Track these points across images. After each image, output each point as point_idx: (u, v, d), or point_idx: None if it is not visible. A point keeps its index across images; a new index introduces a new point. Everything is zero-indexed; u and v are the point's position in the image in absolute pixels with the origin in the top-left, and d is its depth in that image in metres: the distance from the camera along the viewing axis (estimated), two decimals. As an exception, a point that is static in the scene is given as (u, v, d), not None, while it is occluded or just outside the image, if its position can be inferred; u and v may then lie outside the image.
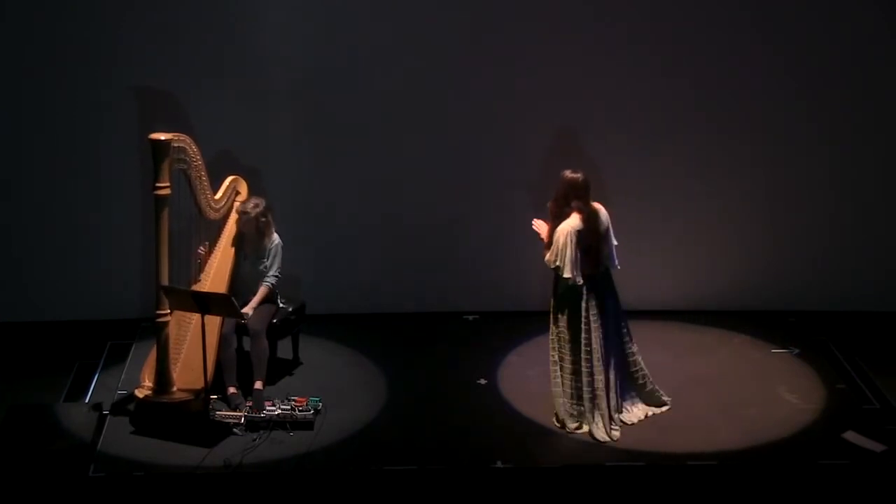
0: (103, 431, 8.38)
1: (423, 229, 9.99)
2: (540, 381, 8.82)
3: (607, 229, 8.40)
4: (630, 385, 8.62)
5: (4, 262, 9.88)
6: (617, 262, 8.44)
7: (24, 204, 9.79)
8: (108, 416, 8.54)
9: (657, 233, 10.05)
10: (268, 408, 8.46)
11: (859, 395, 8.99)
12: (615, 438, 8.35)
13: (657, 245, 10.07)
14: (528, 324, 9.61)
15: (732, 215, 10.07)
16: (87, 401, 8.82)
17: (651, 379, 8.65)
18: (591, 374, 8.37)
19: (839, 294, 10.20)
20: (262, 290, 8.86)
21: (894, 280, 10.21)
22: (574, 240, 8.20)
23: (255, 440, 8.26)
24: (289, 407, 8.47)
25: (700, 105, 9.83)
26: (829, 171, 10.02)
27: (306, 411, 8.44)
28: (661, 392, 8.69)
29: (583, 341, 8.34)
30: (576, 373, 8.42)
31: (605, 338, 8.38)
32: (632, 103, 9.78)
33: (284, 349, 9.23)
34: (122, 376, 9.07)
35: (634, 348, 8.62)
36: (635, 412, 8.61)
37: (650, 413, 8.64)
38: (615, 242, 8.44)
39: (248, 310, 8.76)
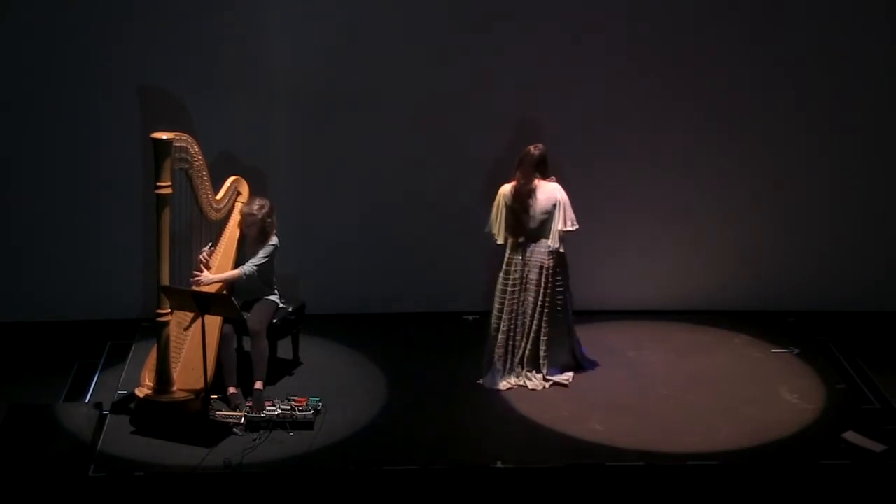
0: (103, 431, 8.38)
1: (423, 229, 9.99)
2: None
3: (551, 210, 8.84)
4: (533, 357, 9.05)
5: (4, 262, 9.88)
6: (553, 243, 8.85)
7: (24, 203, 9.78)
8: (109, 416, 8.54)
9: (657, 233, 10.05)
10: (268, 408, 8.46)
11: (859, 395, 9.00)
12: (500, 388, 8.95)
13: (657, 245, 10.08)
14: (528, 324, 9.62)
15: (732, 215, 10.07)
16: (87, 401, 8.82)
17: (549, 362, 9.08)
18: (498, 329, 9.04)
19: (839, 294, 10.20)
20: (231, 272, 8.81)
21: (894, 280, 10.21)
22: (500, 201, 8.95)
23: (255, 440, 8.26)
24: (289, 407, 8.47)
25: (699, 104, 9.83)
26: (829, 171, 10.02)
27: (306, 411, 8.44)
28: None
29: (497, 296, 9.03)
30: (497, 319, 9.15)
31: (521, 304, 8.95)
32: (631, 103, 9.77)
33: (284, 349, 9.23)
34: (122, 376, 9.07)
35: (546, 328, 8.98)
36: (536, 380, 9.03)
37: (547, 385, 9.03)
38: (565, 227, 8.84)
39: (204, 278, 8.69)
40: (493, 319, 9.07)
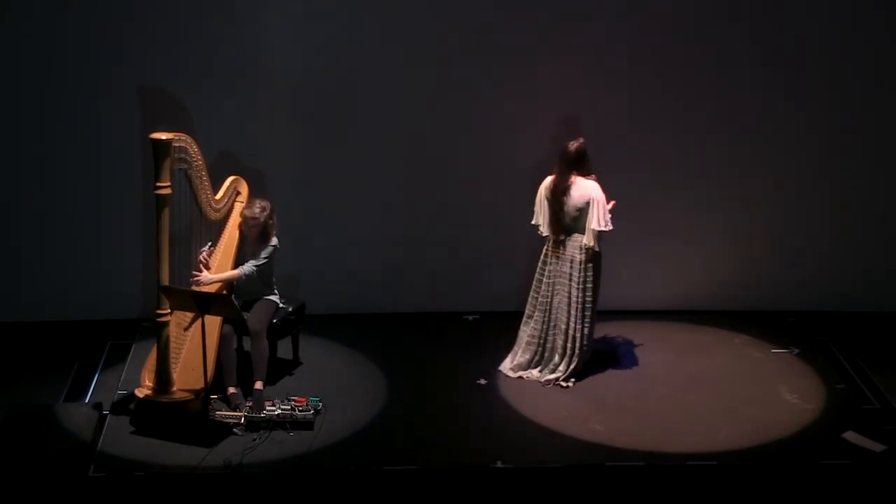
0: (103, 431, 8.38)
1: (424, 229, 9.99)
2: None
3: (584, 207, 8.87)
4: (552, 352, 9.08)
5: (4, 261, 9.87)
6: (587, 241, 8.87)
7: (24, 203, 9.78)
8: (109, 416, 8.54)
9: (658, 233, 10.05)
10: (268, 408, 8.46)
11: (859, 395, 9.00)
12: (510, 374, 9.14)
13: (658, 245, 10.07)
14: (528, 324, 9.62)
15: (732, 215, 10.07)
16: (87, 401, 8.82)
17: (575, 360, 9.07)
18: (531, 317, 9.13)
19: (839, 294, 10.20)
20: (231, 272, 8.80)
21: (894, 280, 10.21)
22: (542, 193, 9.04)
23: (255, 440, 8.26)
24: (289, 407, 8.47)
25: (700, 105, 9.83)
26: (829, 172, 10.02)
27: (306, 411, 8.44)
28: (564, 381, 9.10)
29: (533, 286, 9.15)
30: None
31: (554, 297, 9.00)
32: (630, 105, 9.77)
33: (284, 349, 9.23)
34: (122, 376, 9.07)
35: (578, 324, 8.98)
36: (547, 375, 9.08)
37: (558, 382, 9.06)
38: (599, 227, 8.82)
39: (203, 278, 8.68)
40: (528, 309, 9.16)
